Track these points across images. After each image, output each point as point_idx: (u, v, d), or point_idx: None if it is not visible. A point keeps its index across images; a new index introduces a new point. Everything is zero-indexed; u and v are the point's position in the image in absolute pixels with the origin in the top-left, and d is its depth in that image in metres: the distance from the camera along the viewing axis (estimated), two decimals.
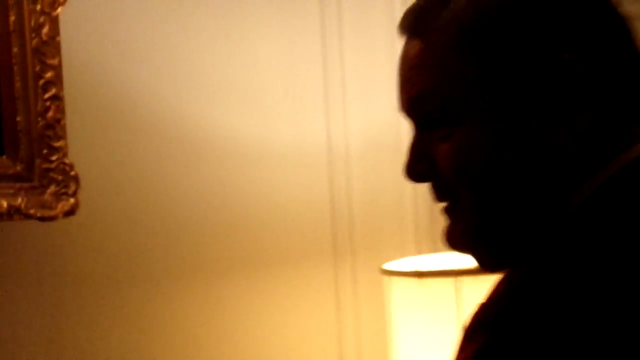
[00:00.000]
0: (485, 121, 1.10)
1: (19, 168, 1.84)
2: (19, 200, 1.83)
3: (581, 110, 1.07)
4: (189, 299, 2.13)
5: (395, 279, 2.01)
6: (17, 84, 1.83)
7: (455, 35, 1.11)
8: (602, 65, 1.08)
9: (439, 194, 1.16)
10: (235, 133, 2.18)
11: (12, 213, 1.82)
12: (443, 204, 1.17)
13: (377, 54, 2.19)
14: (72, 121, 1.90)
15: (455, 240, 1.16)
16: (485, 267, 1.19)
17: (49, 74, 1.84)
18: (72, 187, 1.86)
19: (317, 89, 2.29)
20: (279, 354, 2.24)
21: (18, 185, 1.84)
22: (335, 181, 2.25)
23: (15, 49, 1.81)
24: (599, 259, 0.98)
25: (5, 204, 1.80)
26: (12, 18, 1.80)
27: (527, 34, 1.09)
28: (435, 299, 1.90)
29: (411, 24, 1.16)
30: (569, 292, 0.98)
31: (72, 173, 1.86)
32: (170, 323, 2.11)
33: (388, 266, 2.04)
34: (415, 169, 1.15)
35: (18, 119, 1.83)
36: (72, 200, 1.86)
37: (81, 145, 1.94)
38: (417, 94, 1.14)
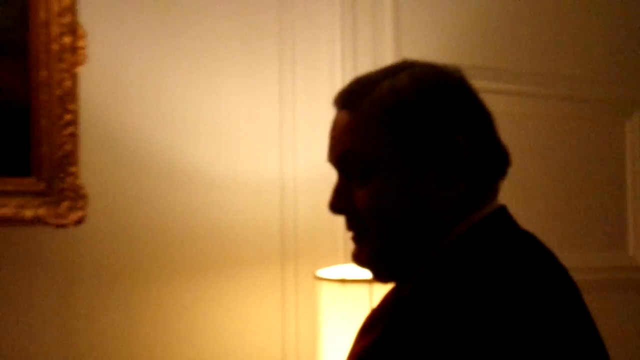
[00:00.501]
0: (392, 177, 1.27)
1: (41, 186, 2.03)
2: (41, 210, 2.02)
3: (462, 174, 1.27)
4: (169, 296, 2.26)
5: (324, 283, 2.14)
6: (44, 123, 2.02)
7: (378, 113, 1.28)
8: (477, 143, 1.28)
9: (352, 225, 1.34)
10: (205, 164, 2.33)
11: (35, 221, 2.01)
12: (352, 233, 1.34)
13: (322, 106, 2.24)
14: (86, 152, 2.08)
15: (361, 260, 1.34)
16: (380, 280, 1.37)
17: (68, 117, 2.04)
18: (81, 203, 2.05)
19: (274, 131, 2.42)
20: (237, 340, 2.35)
21: (40, 199, 2.02)
22: (284, 205, 2.41)
23: (44, 97, 2.02)
24: (456, 283, 1.18)
25: (30, 213, 2.00)
26: (43, 73, 2.01)
27: (431, 119, 1.27)
28: (354, 300, 2.01)
29: (344, 100, 1.33)
30: (437, 302, 1.17)
31: (81, 192, 2.06)
32: (154, 316, 2.25)
33: (320, 273, 2.17)
34: (337, 206, 1.33)
35: (42, 149, 2.02)
36: (80, 212, 2.05)
37: (92, 170, 2.11)
38: (344, 152, 1.31)
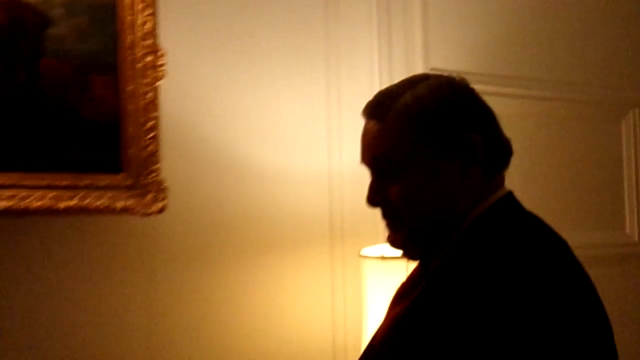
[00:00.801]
0: (420, 172, 1.38)
1: (130, 182, 2.11)
2: (129, 202, 2.11)
3: (478, 165, 1.38)
4: (236, 273, 2.36)
5: (368, 260, 2.25)
6: (131, 129, 2.11)
7: (404, 120, 1.38)
8: (488, 139, 1.40)
9: (386, 214, 1.44)
10: (265, 160, 2.42)
11: (124, 211, 2.10)
12: (386, 221, 1.45)
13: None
14: (166, 152, 2.16)
15: (396, 242, 1.44)
16: (410, 258, 1.49)
17: (150, 123, 2.13)
18: (162, 195, 2.14)
19: (322, 131, 2.52)
20: (292, 310, 2.45)
21: (129, 192, 2.11)
22: (332, 194, 2.50)
23: (131, 107, 2.10)
24: (478, 257, 1.28)
25: (121, 204, 2.09)
26: (130, 87, 2.10)
27: (449, 121, 1.38)
28: (393, 274, 2.02)
29: (372, 111, 1.43)
30: (462, 274, 1.27)
31: (163, 186, 2.14)
32: (224, 291, 2.34)
33: (364, 251, 2.27)
34: (373, 200, 1.44)
35: (130, 150, 2.11)
36: (162, 203, 2.15)
37: (172, 167, 2.19)
38: (377, 155, 1.40)
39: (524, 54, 2.95)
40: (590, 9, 3.10)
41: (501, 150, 1.44)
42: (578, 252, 1.39)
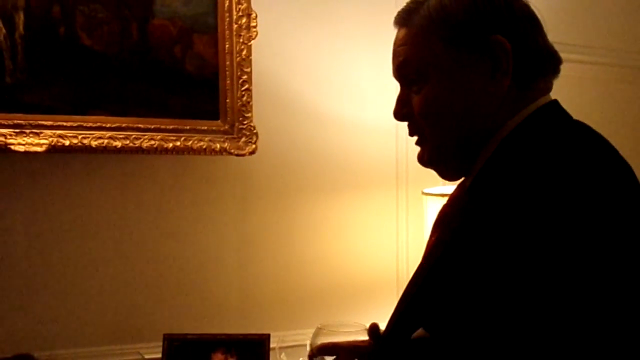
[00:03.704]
0: (442, 79, 1.13)
1: (226, 127, 2.12)
2: (226, 144, 2.12)
3: (506, 72, 1.11)
4: (315, 208, 2.34)
5: (429, 197, 2.22)
6: (227, 81, 2.10)
7: (426, 24, 1.14)
8: (520, 44, 1.12)
9: (414, 130, 1.20)
10: (341, 111, 2.37)
11: (222, 151, 2.11)
12: (416, 137, 1.20)
13: None
14: (257, 102, 2.15)
15: (423, 159, 1.19)
16: (445, 177, 1.22)
17: (244, 77, 2.12)
18: (254, 139, 2.14)
19: (391, 85, 2.28)
20: (363, 241, 2.41)
21: (225, 136, 2.11)
22: (399, 141, 2.43)
23: (227, 62, 2.09)
24: (526, 169, 1.01)
25: (219, 146, 2.10)
26: (227, 45, 2.09)
27: (474, 24, 1.12)
28: None
29: (400, 19, 1.20)
30: (506, 192, 1.00)
31: (254, 131, 2.14)
32: (305, 222, 2.33)
33: (426, 190, 2.25)
34: (400, 113, 1.20)
35: (227, 100, 2.10)
36: (253, 146, 2.15)
37: (262, 116, 2.18)
38: (401, 63, 1.17)
39: (580, 22, 2.83)
40: None
41: (537, 58, 1.14)
42: None
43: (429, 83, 1.13)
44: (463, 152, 1.14)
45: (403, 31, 1.18)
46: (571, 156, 1.00)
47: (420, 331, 1.00)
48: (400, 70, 1.18)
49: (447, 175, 1.21)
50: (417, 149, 1.23)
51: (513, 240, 0.93)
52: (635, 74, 2.97)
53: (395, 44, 1.20)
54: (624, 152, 1.07)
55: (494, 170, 1.08)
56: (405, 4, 1.21)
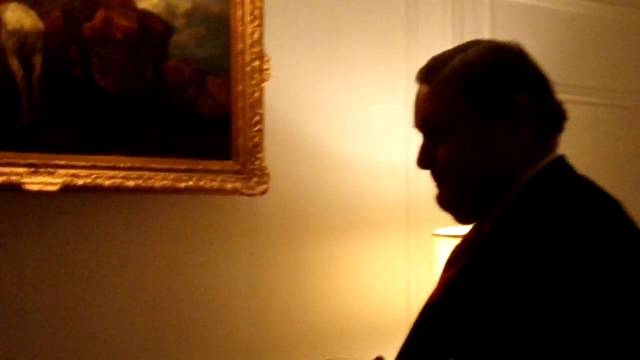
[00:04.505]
0: (468, 131, 1.21)
1: (238, 167, 2.11)
2: (238, 184, 2.11)
3: (526, 128, 1.21)
4: (325, 249, 2.33)
5: (440, 238, 2.20)
6: (240, 122, 2.10)
7: (453, 81, 1.22)
8: (537, 102, 1.21)
9: (436, 176, 1.27)
10: (350, 151, 2.38)
11: (233, 191, 2.10)
12: (436, 183, 1.27)
13: None
14: (269, 143, 2.15)
15: (443, 201, 1.27)
16: (461, 221, 1.29)
17: (256, 118, 2.12)
18: (265, 179, 2.13)
19: (401, 126, 2.41)
20: (372, 283, 2.40)
21: (237, 176, 2.11)
22: (409, 182, 2.43)
23: (239, 104, 2.10)
24: (543, 218, 1.11)
25: (230, 186, 2.09)
26: (240, 88, 2.10)
27: (498, 83, 1.21)
28: None
29: (423, 75, 1.27)
30: (517, 235, 1.11)
31: (265, 171, 2.13)
32: (316, 263, 2.32)
33: (436, 231, 2.23)
34: (424, 162, 1.27)
35: (239, 141, 2.10)
36: (265, 186, 2.13)
37: (273, 156, 2.17)
38: (427, 117, 1.25)
39: (578, 63, 2.86)
40: (635, 25, 2.99)
41: (552, 115, 1.25)
42: None
43: (454, 135, 1.20)
44: (482, 198, 1.22)
45: (426, 88, 1.24)
46: (579, 209, 1.11)
47: None
48: (426, 124, 1.25)
49: (463, 218, 1.28)
50: (428, 189, 1.31)
51: (530, 277, 1.04)
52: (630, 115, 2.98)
53: (418, 98, 1.27)
54: (624, 192, 1.15)
55: (513, 217, 1.16)
56: (427, 61, 1.28)
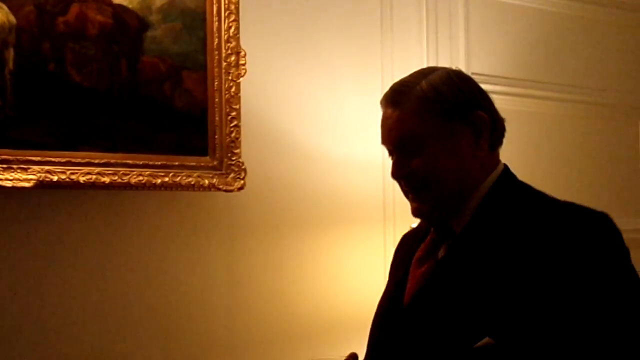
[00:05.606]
0: (440, 145, 1.35)
1: (215, 163, 2.09)
2: (214, 180, 2.09)
3: (484, 138, 1.37)
4: (302, 245, 2.32)
5: None
6: (217, 118, 2.09)
7: (423, 103, 1.36)
8: (492, 116, 1.38)
9: (411, 187, 1.40)
10: (327, 148, 2.38)
11: (210, 187, 2.08)
12: (411, 195, 1.40)
13: None
14: (246, 139, 2.13)
15: (422, 211, 1.40)
16: (432, 223, 1.44)
17: (233, 113, 2.11)
18: (242, 175, 2.12)
19: (377, 123, 2.20)
20: (349, 278, 2.39)
21: (214, 172, 2.09)
22: (386, 179, 2.33)
23: (216, 99, 2.08)
24: (515, 209, 1.30)
25: (207, 182, 2.07)
26: (216, 82, 2.08)
27: (461, 102, 1.37)
28: None
29: (392, 100, 1.39)
30: (503, 226, 1.28)
31: (242, 167, 2.12)
32: (292, 257, 2.31)
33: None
34: (399, 174, 1.40)
35: (216, 136, 2.09)
36: (242, 181, 2.12)
37: (250, 152, 2.16)
38: (400, 137, 1.37)
39: (551, 61, 2.88)
40: (609, 24, 3.03)
41: (501, 127, 1.42)
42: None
43: (429, 148, 1.35)
44: (455, 199, 1.37)
45: (396, 110, 1.37)
46: (545, 203, 1.33)
47: (485, 340, 1.18)
48: (401, 142, 1.37)
49: (435, 221, 1.42)
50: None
51: (507, 272, 1.23)
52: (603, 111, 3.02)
53: (387, 121, 1.39)
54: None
55: (490, 211, 1.34)
56: (390, 88, 1.41)
